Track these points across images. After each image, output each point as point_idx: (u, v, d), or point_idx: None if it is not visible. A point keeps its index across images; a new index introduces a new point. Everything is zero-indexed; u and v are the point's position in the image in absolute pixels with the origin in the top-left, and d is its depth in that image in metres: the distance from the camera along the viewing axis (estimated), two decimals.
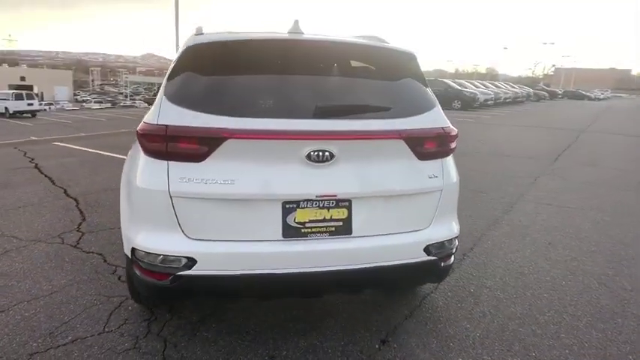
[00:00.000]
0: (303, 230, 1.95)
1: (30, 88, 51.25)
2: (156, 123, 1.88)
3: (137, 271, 2.00)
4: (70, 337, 2.33)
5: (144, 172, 1.93)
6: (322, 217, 1.96)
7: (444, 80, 25.20)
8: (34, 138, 12.08)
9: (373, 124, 1.98)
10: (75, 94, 71.89)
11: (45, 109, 35.43)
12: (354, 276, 2.03)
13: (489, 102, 25.73)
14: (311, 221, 1.95)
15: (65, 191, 5.19)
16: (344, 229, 2.00)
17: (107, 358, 2.18)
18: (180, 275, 1.90)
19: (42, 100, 44.06)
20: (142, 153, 1.96)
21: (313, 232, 1.96)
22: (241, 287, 1.98)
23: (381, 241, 2.05)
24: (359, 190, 1.99)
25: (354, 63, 2.27)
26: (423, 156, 2.08)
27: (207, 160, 1.85)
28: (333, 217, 1.98)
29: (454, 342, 2.43)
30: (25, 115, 25.19)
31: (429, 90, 2.30)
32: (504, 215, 4.80)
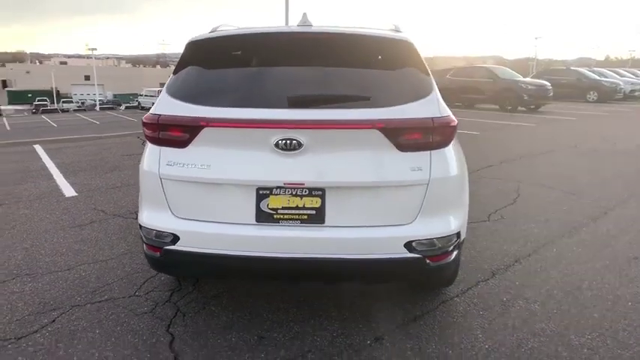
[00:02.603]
0: (275, 216, 2.00)
1: None
2: (153, 113, 2.10)
3: (143, 245, 2.27)
4: (106, 297, 2.73)
5: (146, 157, 2.17)
6: (295, 205, 1.99)
7: (577, 69, 22.12)
8: None
9: (345, 114, 1.92)
10: None
11: None
12: (326, 266, 2.01)
13: (638, 93, 21.95)
14: (284, 208, 1.99)
15: None
16: (317, 218, 1.99)
17: (126, 317, 2.51)
18: (168, 249, 2.10)
19: None
20: (147, 140, 2.20)
21: (285, 219, 2.00)
22: (218, 266, 2.11)
23: (356, 233, 1.99)
24: (330, 180, 1.96)
25: (343, 53, 2.20)
26: (404, 147, 1.95)
27: (190, 146, 2.01)
28: (305, 206, 1.98)
29: (455, 350, 2.24)
30: None
31: (428, 78, 2.14)
32: (590, 222, 4.15)
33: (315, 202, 1.98)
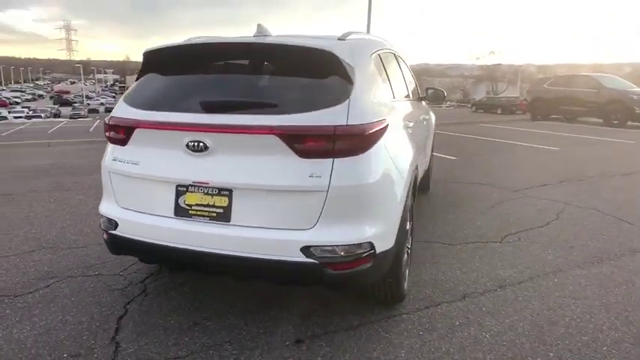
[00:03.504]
0: (190, 212, 2.18)
1: None
2: (110, 116, 2.44)
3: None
4: (96, 272, 3.16)
5: (105, 154, 2.52)
6: (207, 203, 2.15)
7: None
8: None
9: (247, 120, 2.04)
10: None
11: None
12: (232, 262, 2.13)
13: None
14: (197, 205, 2.17)
15: None
16: (224, 216, 2.13)
17: (101, 290, 2.89)
18: (112, 234, 2.41)
19: None
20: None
21: (197, 215, 2.17)
22: (145, 251, 2.35)
23: (257, 234, 2.08)
24: (232, 181, 2.08)
25: (265, 62, 2.29)
26: (303, 153, 2.00)
27: (127, 145, 2.30)
28: (215, 204, 2.14)
29: None
30: None
31: (348, 87, 2.14)
32: (627, 254, 3.61)
33: (223, 202, 2.12)
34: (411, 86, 4.06)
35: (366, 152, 2.09)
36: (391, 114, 2.57)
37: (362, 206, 2.10)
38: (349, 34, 2.56)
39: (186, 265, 2.42)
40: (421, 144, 3.80)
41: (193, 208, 2.18)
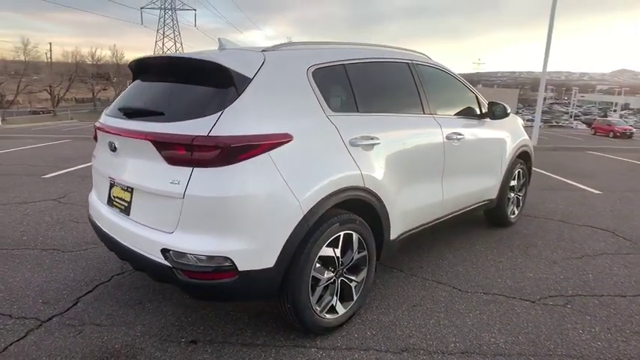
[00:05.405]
0: (114, 202, 2.52)
1: None
2: None
3: None
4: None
5: None
6: (121, 197, 2.45)
7: None
8: None
9: (134, 125, 2.25)
10: (518, 112, 75.89)
11: None
12: (126, 252, 2.37)
13: None
14: (116, 197, 2.49)
15: None
16: (126, 210, 2.39)
17: (111, 261, 3.51)
18: (89, 214, 2.95)
19: None
20: None
21: (115, 206, 2.49)
22: (96, 231, 2.78)
23: (139, 230, 2.27)
24: (128, 180, 2.33)
25: (175, 74, 2.41)
26: (168, 160, 2.11)
27: (96, 143, 2.79)
28: (124, 198, 2.42)
29: None
30: None
31: (228, 98, 2.11)
32: None
33: (127, 197, 2.39)
34: (443, 102, 3.51)
35: (234, 165, 2.04)
36: (316, 129, 2.38)
37: (220, 219, 2.06)
38: (281, 45, 2.49)
39: (109, 249, 2.74)
40: (437, 168, 3.28)
41: (115, 199, 2.52)
